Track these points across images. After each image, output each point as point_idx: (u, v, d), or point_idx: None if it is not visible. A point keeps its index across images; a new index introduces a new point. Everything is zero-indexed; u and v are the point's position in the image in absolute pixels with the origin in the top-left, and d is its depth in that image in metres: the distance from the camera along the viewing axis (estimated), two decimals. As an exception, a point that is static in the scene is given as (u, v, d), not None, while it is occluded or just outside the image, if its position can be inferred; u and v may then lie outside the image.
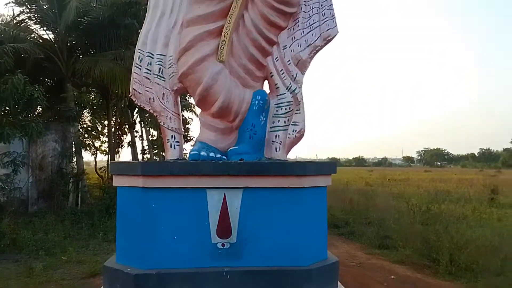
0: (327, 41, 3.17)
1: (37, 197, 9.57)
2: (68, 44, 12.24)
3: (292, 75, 3.13)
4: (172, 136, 3.15)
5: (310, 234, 2.59)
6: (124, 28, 11.40)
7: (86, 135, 13.39)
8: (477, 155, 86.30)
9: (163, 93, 3.12)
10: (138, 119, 20.12)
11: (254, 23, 3.04)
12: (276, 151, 3.11)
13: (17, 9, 11.72)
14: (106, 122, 17.81)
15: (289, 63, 3.13)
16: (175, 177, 2.53)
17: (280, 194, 2.56)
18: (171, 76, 3.11)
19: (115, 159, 17.80)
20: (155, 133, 22.35)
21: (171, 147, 3.14)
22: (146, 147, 21.17)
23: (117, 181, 2.73)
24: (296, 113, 3.20)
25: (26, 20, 11.69)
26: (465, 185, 21.01)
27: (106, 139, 17.91)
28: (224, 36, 3.03)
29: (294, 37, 3.13)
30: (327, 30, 3.13)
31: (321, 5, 3.14)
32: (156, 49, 3.12)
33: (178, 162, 2.72)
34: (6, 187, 8.03)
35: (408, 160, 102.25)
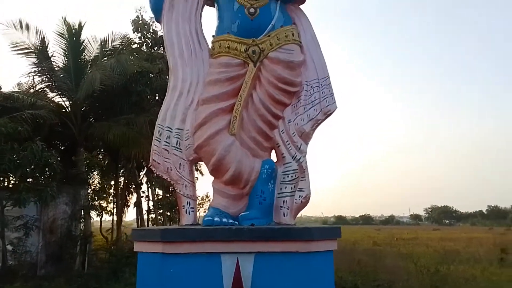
0: (327, 115, 3.53)
1: (46, 260, 9.63)
2: (82, 110, 12.90)
3: (297, 146, 3.45)
4: (187, 202, 3.40)
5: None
6: (137, 95, 12.09)
7: (95, 197, 13.64)
8: (485, 212, 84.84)
9: (180, 163, 3.42)
10: (145, 179, 20.47)
11: (261, 101, 3.42)
12: (284, 215, 3.34)
13: (37, 78, 12.52)
14: (113, 183, 18.13)
15: (294, 135, 3.46)
16: (192, 243, 2.75)
17: (289, 259, 2.75)
18: (187, 147, 3.43)
19: (122, 220, 17.88)
20: (160, 192, 22.58)
21: (186, 212, 3.39)
22: (151, 207, 21.30)
23: (138, 247, 2.94)
24: (301, 180, 3.47)
25: (45, 89, 12.45)
26: (475, 244, 20.65)
27: (112, 199, 18.11)
28: (235, 113, 3.40)
29: (298, 112, 3.49)
30: (327, 106, 3.51)
31: (321, 85, 3.54)
32: (174, 124, 3.47)
33: (195, 229, 2.94)
34: (18, 251, 8.15)
35: (416, 218, 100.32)
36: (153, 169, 3.51)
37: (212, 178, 3.53)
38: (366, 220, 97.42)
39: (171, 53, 3.57)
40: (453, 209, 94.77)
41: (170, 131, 3.46)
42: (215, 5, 3.66)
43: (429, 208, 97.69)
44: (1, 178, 7.96)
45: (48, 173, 8.61)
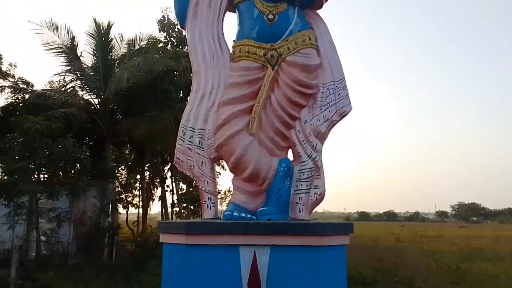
0: (342, 116, 3.68)
1: (76, 251, 10.15)
2: (110, 107, 13.38)
3: (313, 145, 3.61)
4: (208, 198, 3.63)
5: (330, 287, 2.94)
6: (162, 92, 12.45)
7: (122, 191, 14.15)
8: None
9: (202, 161, 3.65)
10: (169, 173, 20.98)
11: (279, 102, 3.59)
12: (300, 211, 3.52)
13: (68, 78, 13.06)
14: (138, 177, 18.70)
15: (310, 135, 3.62)
16: (213, 235, 2.98)
17: (303, 252, 2.94)
18: (209, 146, 3.64)
19: (147, 213, 18.43)
20: (184, 186, 23.11)
21: (207, 207, 3.62)
22: (175, 201, 21.85)
23: (163, 238, 3.19)
24: (317, 178, 3.64)
25: (75, 87, 12.97)
26: (501, 243, 20.21)
27: (137, 193, 18.67)
28: (254, 114, 3.59)
29: (314, 113, 3.65)
30: (342, 107, 3.66)
31: (337, 87, 3.69)
32: (197, 124, 3.69)
33: (215, 222, 3.17)
34: (50, 241, 8.64)
35: (442, 215, 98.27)
36: (177, 166, 3.75)
37: (232, 175, 3.75)
38: (390, 216, 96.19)
39: (194, 57, 3.78)
40: (481, 206, 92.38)
41: (193, 131, 3.68)
42: (236, 11, 3.85)
43: (455, 205, 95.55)
44: (36, 172, 8.44)
45: (78, 168, 9.05)
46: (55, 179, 7.90)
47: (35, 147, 7.38)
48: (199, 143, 3.66)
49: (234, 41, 3.80)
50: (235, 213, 3.33)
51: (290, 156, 3.73)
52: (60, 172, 9.02)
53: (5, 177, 8.14)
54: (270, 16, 3.58)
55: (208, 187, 3.62)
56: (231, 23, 3.96)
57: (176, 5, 3.90)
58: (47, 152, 7.40)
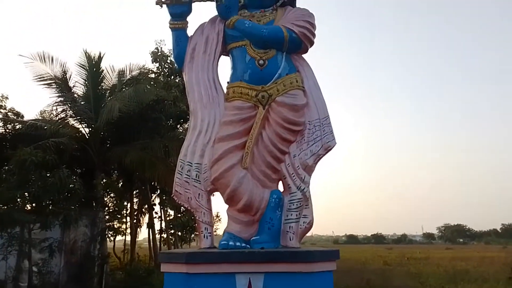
0: (328, 150, 4.02)
1: (67, 280, 10.13)
2: (101, 136, 13.57)
3: (301, 178, 3.92)
4: (205, 228, 3.89)
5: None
6: (153, 121, 12.74)
7: (112, 219, 14.16)
8: (499, 230, 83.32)
9: (199, 193, 3.92)
10: (158, 200, 21.03)
11: (270, 138, 3.92)
12: (290, 239, 3.79)
13: (59, 108, 13.27)
14: (127, 204, 18.69)
15: (298, 168, 3.93)
16: (211, 264, 3.23)
17: (294, 278, 3.20)
18: (205, 180, 3.92)
19: (136, 240, 18.34)
20: (172, 212, 23.12)
21: (204, 237, 3.87)
22: (163, 227, 21.80)
23: (165, 267, 3.43)
24: (305, 208, 3.93)
25: (66, 117, 13.18)
26: (486, 264, 20.58)
27: (125, 220, 18.61)
28: (247, 149, 3.90)
29: (302, 148, 3.97)
30: (328, 142, 4.00)
31: (322, 124, 4.04)
32: (194, 159, 3.97)
33: (214, 252, 3.43)
34: (42, 271, 8.66)
35: (429, 237, 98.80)
36: (176, 198, 4.01)
37: (227, 206, 4.03)
38: (378, 239, 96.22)
39: (191, 97, 4.11)
40: (467, 227, 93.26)
41: (190, 165, 3.97)
42: (230, 56, 4.23)
43: (442, 226, 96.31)
44: (29, 203, 8.54)
45: (71, 197, 9.17)
46: (48, 209, 8.04)
47: (30, 178, 7.56)
48: (196, 177, 3.93)
49: (228, 82, 4.15)
50: (230, 243, 3.60)
51: (280, 187, 4.02)
52: (51, 202, 9.13)
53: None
54: (261, 62, 3.95)
55: (204, 218, 3.88)
56: (225, 65, 4.32)
57: (174, 50, 4.26)
58: (40, 183, 7.56)
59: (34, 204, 8.55)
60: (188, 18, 4.21)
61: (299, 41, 4.04)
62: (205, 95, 4.07)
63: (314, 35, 4.15)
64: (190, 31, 4.25)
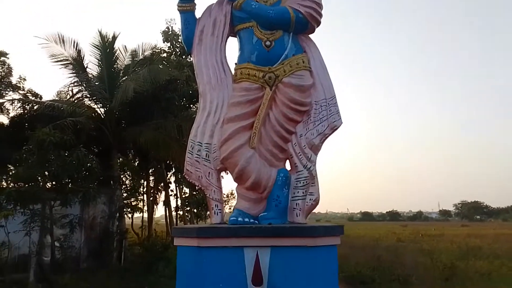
0: (334, 130, 4.10)
1: (87, 255, 10.60)
2: (116, 116, 13.84)
3: (308, 157, 4.04)
4: (215, 205, 4.06)
5: (323, 282, 3.37)
6: (166, 101, 12.91)
7: (129, 197, 14.57)
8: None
9: (209, 172, 4.08)
10: (173, 178, 21.45)
11: (277, 119, 4.02)
12: (297, 216, 3.94)
13: (75, 88, 13.55)
14: (143, 183, 19.16)
15: (305, 147, 4.05)
16: (221, 238, 3.41)
17: (299, 251, 3.37)
18: (215, 159, 4.07)
19: (153, 217, 18.88)
20: (187, 190, 23.58)
21: (214, 213, 4.05)
22: (179, 205, 22.31)
23: (178, 241, 3.64)
24: (312, 186, 4.06)
25: (82, 97, 13.45)
26: (501, 241, 20.54)
27: (142, 198, 19.12)
28: (255, 129, 4.02)
29: (308, 128, 4.07)
30: (334, 122, 4.08)
31: (328, 104, 4.11)
32: (204, 139, 4.12)
33: (223, 227, 3.61)
34: (64, 246, 9.10)
35: (445, 214, 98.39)
36: (187, 177, 4.19)
37: (236, 184, 4.19)
38: (393, 216, 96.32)
39: (200, 80, 4.22)
40: (484, 204, 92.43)
41: (201, 145, 4.11)
42: (237, 37, 4.30)
43: (459, 203, 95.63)
44: (49, 181, 8.90)
45: (88, 176, 9.51)
46: (68, 187, 8.38)
47: (49, 158, 7.87)
48: (206, 156, 4.09)
49: (235, 64, 4.23)
50: (239, 218, 3.77)
51: (287, 166, 4.16)
52: (70, 180, 9.48)
53: (21, 186, 8.62)
54: (268, 43, 4.02)
55: (215, 196, 4.05)
56: (233, 47, 4.40)
57: (183, 33, 4.34)
58: (59, 162, 7.87)
59: (54, 182, 8.90)
60: (196, 0, 4.28)
61: (306, 22, 4.08)
62: (213, 77, 4.18)
63: (320, 15, 4.18)
64: (198, 13, 4.32)
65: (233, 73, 4.20)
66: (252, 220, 3.79)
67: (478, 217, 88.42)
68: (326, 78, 4.20)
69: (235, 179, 4.07)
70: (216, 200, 4.05)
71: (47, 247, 8.91)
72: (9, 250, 8.25)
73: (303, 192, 3.99)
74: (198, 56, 4.23)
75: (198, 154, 4.10)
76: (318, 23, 4.19)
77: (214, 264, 3.38)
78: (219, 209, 4.06)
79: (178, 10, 4.27)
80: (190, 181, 4.18)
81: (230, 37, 4.38)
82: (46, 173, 8.21)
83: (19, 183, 8.78)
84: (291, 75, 4.00)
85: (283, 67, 4.01)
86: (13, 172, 8.67)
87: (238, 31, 4.23)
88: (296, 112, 4.03)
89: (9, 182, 9.15)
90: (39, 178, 8.18)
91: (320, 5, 4.15)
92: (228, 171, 4.14)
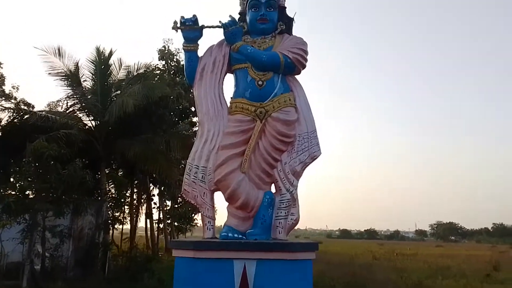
0: (314, 159, 4.74)
1: (74, 264, 10.89)
2: (109, 129, 14.22)
3: (291, 182, 4.64)
4: (208, 221, 4.60)
5: (300, 291, 3.97)
6: (157, 116, 13.40)
7: (114, 209, 14.86)
8: (491, 229, 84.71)
9: (204, 192, 4.63)
10: (156, 191, 21.76)
11: (265, 148, 4.62)
12: (279, 233, 4.52)
13: (70, 102, 13.90)
14: (126, 193, 19.39)
15: (288, 174, 4.65)
16: (213, 251, 3.98)
17: (280, 264, 3.95)
18: (210, 181, 4.62)
19: (136, 229, 19.10)
20: (169, 203, 23.85)
21: (207, 229, 4.58)
22: (161, 217, 22.56)
23: (176, 253, 4.17)
24: (293, 207, 4.68)
25: (75, 110, 13.83)
26: (471, 261, 21.39)
27: (124, 209, 19.34)
28: (246, 156, 4.61)
29: (292, 157, 4.68)
30: (314, 152, 4.71)
31: (309, 136, 4.75)
32: (200, 163, 4.67)
33: (215, 241, 4.18)
34: (55, 255, 9.42)
35: (421, 233, 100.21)
36: (184, 196, 4.75)
37: (227, 203, 4.76)
38: (370, 234, 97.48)
39: (200, 110, 4.81)
40: (459, 225, 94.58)
41: (197, 168, 4.67)
42: (234, 74, 4.93)
43: (434, 224, 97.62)
44: (46, 192, 9.24)
45: (80, 188, 9.88)
46: (63, 198, 8.76)
47: (48, 170, 8.26)
48: (202, 178, 4.64)
49: (231, 98, 4.85)
50: (229, 234, 4.35)
51: (273, 189, 4.75)
52: (68, 193, 9.81)
53: (19, 197, 8.93)
54: (260, 82, 4.66)
55: (208, 213, 4.61)
56: (229, 82, 5.02)
57: (186, 69, 4.93)
58: (56, 175, 8.26)
59: (49, 194, 9.23)
60: (199, 42, 4.89)
61: (293, 66, 4.75)
62: (211, 109, 4.77)
63: (306, 60, 4.86)
64: (200, 51, 4.93)
65: (228, 106, 4.80)
66: (240, 236, 4.36)
67: (452, 238, 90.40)
68: (308, 114, 4.84)
69: (227, 199, 4.64)
70: (209, 217, 4.61)
71: (37, 256, 9.19)
72: (3, 258, 8.52)
73: (285, 212, 4.58)
74: (198, 90, 4.83)
75: (195, 176, 4.66)
76: (304, 66, 4.87)
77: (207, 273, 3.93)
78: (211, 225, 4.61)
79: (184, 49, 4.88)
80: (187, 199, 4.75)
81: (227, 74, 5.01)
82: (43, 185, 8.57)
83: (18, 194, 9.09)
84: (279, 111, 4.62)
85: (272, 104, 4.63)
86: (12, 182, 8.99)
87: (235, 70, 4.86)
88: (282, 142, 4.65)
89: (5, 192, 9.43)
90: (35, 189, 8.52)
91: (306, 52, 4.83)
92: (221, 192, 4.72)
